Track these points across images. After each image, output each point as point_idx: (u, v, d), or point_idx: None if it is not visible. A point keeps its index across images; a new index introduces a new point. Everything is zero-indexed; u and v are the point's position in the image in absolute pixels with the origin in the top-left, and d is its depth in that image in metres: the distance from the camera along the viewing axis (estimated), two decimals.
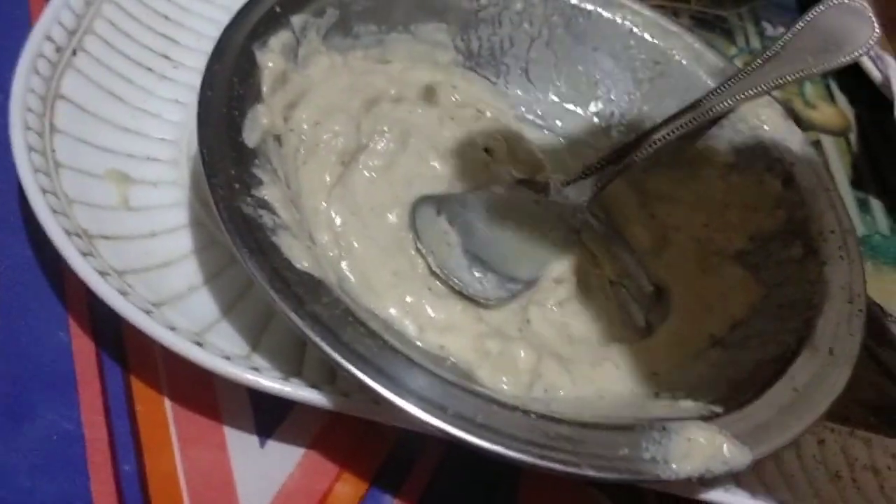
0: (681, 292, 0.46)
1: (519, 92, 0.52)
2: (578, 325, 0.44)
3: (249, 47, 0.41)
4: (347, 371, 0.32)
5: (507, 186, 0.46)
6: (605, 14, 0.52)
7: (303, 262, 0.35)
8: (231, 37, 0.41)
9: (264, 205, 0.36)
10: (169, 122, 0.45)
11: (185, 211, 0.42)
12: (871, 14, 0.51)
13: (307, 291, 0.34)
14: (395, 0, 0.48)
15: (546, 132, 0.52)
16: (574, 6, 0.51)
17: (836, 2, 0.50)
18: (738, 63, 0.64)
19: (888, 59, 0.63)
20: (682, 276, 0.47)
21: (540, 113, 0.52)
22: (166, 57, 0.47)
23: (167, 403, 0.39)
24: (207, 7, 0.50)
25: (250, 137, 0.38)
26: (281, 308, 0.33)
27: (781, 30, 0.69)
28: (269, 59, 0.41)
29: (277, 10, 0.43)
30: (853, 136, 0.63)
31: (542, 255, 0.45)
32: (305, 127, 0.42)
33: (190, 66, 0.47)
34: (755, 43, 0.67)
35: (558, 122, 0.52)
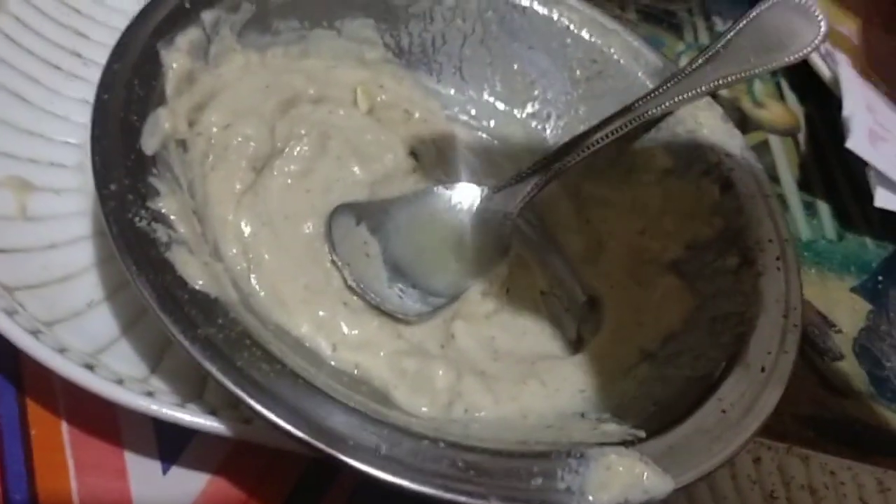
0: (614, 302, 0.45)
1: (452, 91, 0.50)
2: (506, 339, 0.42)
3: (154, 45, 0.39)
4: (240, 399, 0.30)
5: (434, 192, 0.44)
6: (541, 11, 0.50)
7: (198, 281, 0.33)
8: (135, 34, 0.39)
9: (160, 218, 0.34)
10: (76, 125, 0.43)
11: (88, 220, 0.40)
12: (818, 12, 0.50)
13: (201, 312, 0.32)
14: None
15: (479, 133, 0.50)
16: (509, 2, 0.49)
17: None
18: (685, 59, 0.62)
19: (838, 56, 0.61)
20: (616, 285, 0.45)
21: (473, 113, 0.50)
22: (77, 54, 0.45)
23: (64, 427, 0.37)
24: (123, 0, 0.48)
25: (149, 143, 0.36)
26: (170, 331, 0.31)
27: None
28: (175, 58, 0.39)
29: (187, 5, 0.41)
30: (802, 137, 0.61)
31: (470, 265, 0.43)
32: (214, 130, 0.40)
33: (101, 62, 0.44)
34: (704, 38, 0.65)
35: (492, 123, 0.50)
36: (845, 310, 0.52)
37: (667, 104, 0.46)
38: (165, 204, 0.34)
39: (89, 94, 0.43)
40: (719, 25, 0.67)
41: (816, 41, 0.49)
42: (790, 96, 0.64)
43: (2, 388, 0.37)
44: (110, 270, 0.39)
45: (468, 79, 0.50)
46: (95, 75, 0.44)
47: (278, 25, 0.44)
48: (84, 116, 0.43)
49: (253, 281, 0.38)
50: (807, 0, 0.50)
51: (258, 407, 0.30)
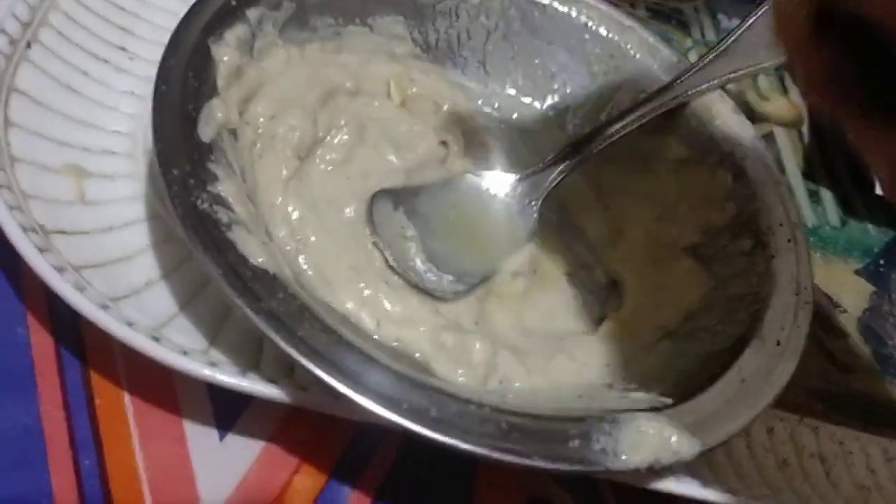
0: (634, 284, 0.47)
1: (476, 85, 0.53)
2: (534, 317, 0.44)
3: (204, 41, 0.41)
4: (303, 366, 0.33)
5: (463, 180, 0.47)
6: (561, 8, 0.52)
7: (258, 258, 0.35)
8: (186, 30, 0.41)
9: (220, 200, 0.36)
10: (125, 115, 0.45)
11: (141, 205, 0.42)
12: None
13: (263, 287, 0.34)
14: None
15: (503, 125, 0.52)
16: (530, 0, 0.52)
17: None
18: (694, 55, 0.65)
19: None
20: (635, 268, 0.48)
21: (497, 105, 0.53)
22: (123, 49, 0.47)
23: (126, 397, 0.39)
24: None
25: (205, 132, 0.38)
26: (237, 304, 0.33)
27: (737, 21, 0.69)
28: (225, 52, 0.41)
29: (233, 3, 0.43)
30: (805, 129, 0.64)
31: (499, 248, 0.45)
32: (261, 121, 0.42)
33: (146, 58, 0.47)
34: (710, 35, 0.68)
35: (515, 115, 0.53)
36: (849, 291, 0.55)
37: (681, 96, 0.48)
38: (224, 187, 0.37)
39: (136, 86, 0.46)
40: (724, 22, 0.69)
41: None
42: (793, 90, 0.66)
43: (67, 362, 0.39)
44: (164, 251, 0.41)
45: (491, 73, 0.53)
46: (141, 69, 0.47)
47: (315, 22, 0.47)
48: (132, 107, 0.46)
49: (301, 261, 0.40)
50: None
51: (319, 373, 0.33)
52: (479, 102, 0.52)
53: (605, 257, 0.48)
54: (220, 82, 0.40)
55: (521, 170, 0.48)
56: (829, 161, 0.62)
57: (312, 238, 0.41)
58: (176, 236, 0.42)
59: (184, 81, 0.39)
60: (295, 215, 0.41)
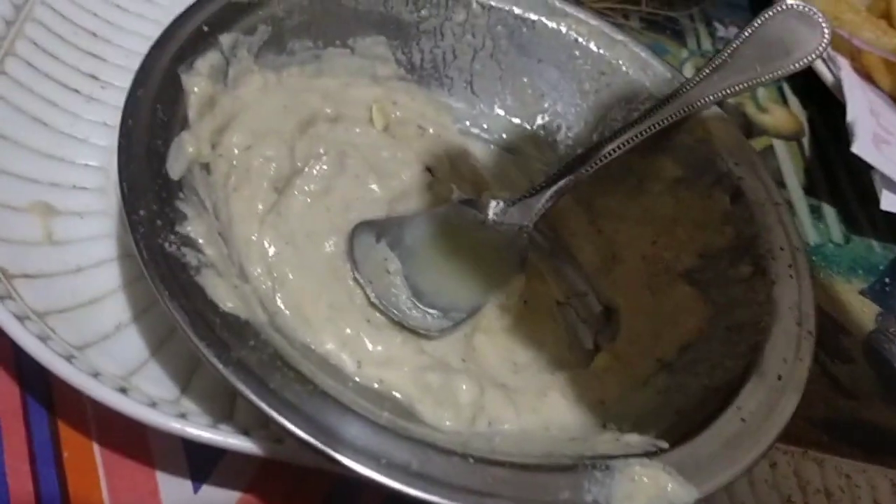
0: (630, 312, 0.45)
1: (463, 105, 0.51)
2: (525, 351, 0.43)
3: (175, 71, 0.39)
4: (275, 421, 0.31)
5: (450, 207, 0.45)
6: (550, 24, 0.50)
7: (227, 303, 0.33)
8: (155, 59, 0.39)
9: (188, 242, 0.34)
10: (96, 147, 0.44)
11: (112, 242, 0.41)
12: (821, 19, 0.50)
13: (233, 335, 0.32)
14: (331, 14, 0.46)
15: (491, 147, 0.51)
16: (518, 16, 0.50)
17: (784, 7, 0.49)
18: (689, 66, 0.63)
19: (841, 60, 0.62)
20: (631, 295, 0.46)
21: (486, 127, 0.51)
22: (94, 77, 0.46)
23: (96, 449, 0.37)
24: (138, 23, 0.48)
25: (174, 168, 0.37)
26: (204, 355, 0.31)
27: (733, 29, 0.68)
28: (196, 82, 0.39)
29: (205, 29, 0.41)
30: (806, 141, 0.62)
31: (488, 279, 0.43)
32: (236, 152, 0.41)
33: (119, 85, 0.46)
34: (706, 44, 0.66)
35: (504, 136, 0.51)
36: (854, 312, 0.53)
37: (675, 114, 0.46)
38: (193, 227, 0.35)
39: (108, 117, 0.44)
40: (721, 31, 0.67)
41: (820, 48, 0.49)
42: (793, 101, 0.64)
43: (34, 413, 0.37)
44: (136, 292, 0.39)
45: (479, 93, 0.51)
46: (113, 98, 0.45)
47: (293, 45, 0.45)
48: (104, 139, 0.44)
49: (278, 300, 0.38)
50: (809, 7, 0.50)
51: (293, 428, 0.31)
52: (467, 124, 0.51)
53: (598, 284, 0.47)
54: (192, 114, 0.39)
55: (511, 194, 0.46)
56: (831, 175, 0.60)
57: (290, 276, 0.39)
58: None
59: (152, 115, 0.37)
60: (272, 251, 0.39)
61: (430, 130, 0.48)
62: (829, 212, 0.58)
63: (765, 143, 0.61)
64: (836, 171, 0.60)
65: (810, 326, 0.41)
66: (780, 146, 0.61)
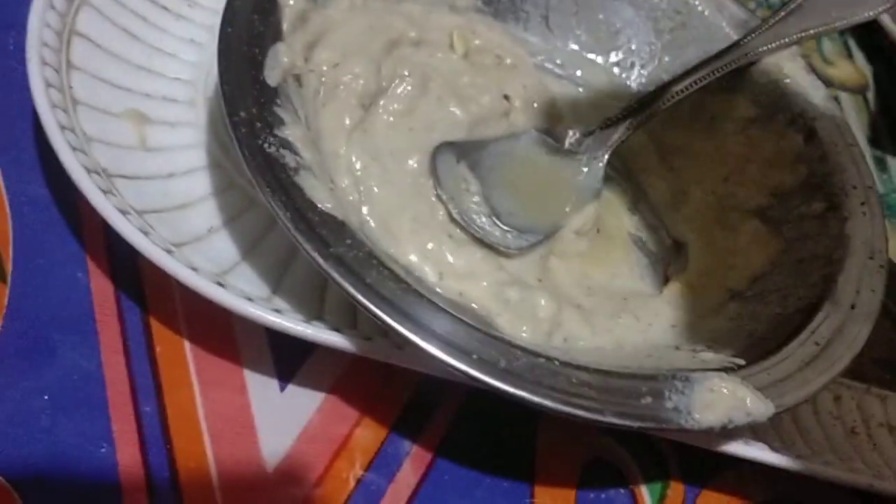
0: (700, 246, 0.46)
1: (539, 40, 0.51)
2: (598, 276, 0.43)
3: None
4: (372, 313, 0.32)
5: (527, 136, 0.45)
6: None
7: (326, 203, 0.34)
8: None
9: (286, 144, 0.35)
10: (185, 62, 0.45)
11: (202, 153, 0.42)
12: None
13: (331, 232, 0.33)
14: None
15: (565, 82, 0.51)
16: None
17: None
18: (760, 13, 0.63)
19: None
20: (701, 230, 0.47)
21: (559, 62, 0.52)
22: None
23: (187, 345, 0.38)
24: None
25: (271, 76, 0.37)
26: (304, 249, 0.32)
27: None
28: None
29: None
30: (871, 94, 0.62)
31: (562, 206, 0.44)
32: (325, 68, 0.41)
33: (205, 5, 0.46)
34: None
35: (578, 72, 0.52)
36: None
37: (750, 54, 0.47)
38: (291, 132, 0.36)
39: (196, 34, 0.45)
40: None
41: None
42: (858, 55, 0.64)
43: (127, 308, 0.39)
44: (226, 199, 0.40)
45: (554, 28, 0.52)
46: (199, 16, 0.46)
47: None
48: (191, 55, 0.45)
49: (364, 211, 0.39)
50: None
51: (389, 321, 0.32)
52: (542, 58, 0.51)
53: (669, 219, 0.47)
54: (286, 26, 0.40)
55: (584, 127, 0.46)
56: (895, 127, 0.60)
57: (376, 189, 0.40)
58: (237, 185, 0.41)
59: (249, 24, 0.38)
60: (358, 165, 0.40)
61: (508, 61, 0.48)
62: (893, 163, 0.58)
63: (831, 94, 0.61)
64: None
65: (882, 261, 0.42)
66: (844, 99, 0.61)
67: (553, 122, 0.48)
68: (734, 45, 0.47)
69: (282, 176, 0.34)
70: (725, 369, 0.36)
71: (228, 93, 0.36)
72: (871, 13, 0.49)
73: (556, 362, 0.33)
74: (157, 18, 0.45)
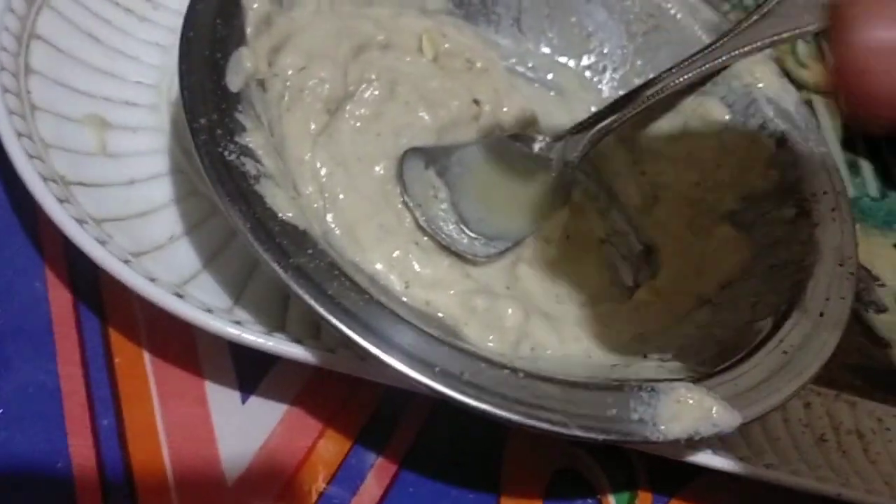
0: (670, 251, 0.46)
1: (510, 43, 0.51)
2: (567, 283, 0.43)
3: None
4: (333, 326, 0.31)
5: (497, 140, 0.45)
6: None
7: (287, 213, 0.34)
8: None
9: (247, 152, 0.35)
10: (148, 66, 0.44)
11: (165, 158, 0.41)
12: None
13: (291, 242, 0.33)
14: None
15: (537, 85, 0.51)
16: None
17: None
18: (733, 16, 0.63)
19: None
20: (671, 234, 0.46)
21: (531, 65, 0.51)
22: None
23: (146, 356, 0.38)
24: None
25: (233, 81, 0.37)
26: (264, 259, 0.32)
27: None
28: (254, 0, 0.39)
29: None
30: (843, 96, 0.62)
31: (532, 212, 0.44)
32: (290, 72, 0.40)
33: (170, 7, 0.46)
34: None
35: (549, 76, 0.51)
36: (888, 265, 0.53)
37: (723, 58, 0.46)
38: (252, 139, 0.35)
39: (160, 37, 0.44)
40: None
41: None
42: (831, 57, 0.64)
43: (86, 319, 0.38)
44: (188, 207, 0.40)
45: (526, 31, 0.51)
46: (164, 18, 0.45)
47: None
48: (155, 58, 0.44)
49: (329, 219, 0.38)
50: None
51: (349, 332, 0.31)
52: (513, 62, 0.51)
53: (640, 223, 0.47)
54: (249, 30, 0.39)
55: (555, 131, 0.46)
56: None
57: (341, 196, 0.39)
58: (199, 192, 0.41)
59: (212, 28, 0.37)
60: (323, 171, 0.40)
61: (478, 65, 0.48)
62: (865, 166, 0.58)
63: (804, 97, 0.60)
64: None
65: (851, 268, 0.41)
66: (818, 102, 0.61)
67: (524, 126, 0.48)
68: (707, 49, 0.47)
69: (242, 184, 0.34)
70: (692, 379, 0.35)
71: (189, 98, 0.35)
72: None
73: (521, 374, 0.33)
74: (121, 21, 0.44)
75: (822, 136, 0.47)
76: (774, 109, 0.47)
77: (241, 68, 0.37)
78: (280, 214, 0.33)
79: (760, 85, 0.48)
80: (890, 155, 0.59)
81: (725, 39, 0.47)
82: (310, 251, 0.33)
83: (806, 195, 0.44)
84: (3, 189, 0.40)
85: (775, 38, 0.47)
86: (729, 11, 0.64)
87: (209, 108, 0.35)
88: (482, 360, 0.33)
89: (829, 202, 0.43)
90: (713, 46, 0.47)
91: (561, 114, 0.50)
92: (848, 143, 0.59)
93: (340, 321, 0.31)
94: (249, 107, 0.37)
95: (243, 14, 0.39)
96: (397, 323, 0.33)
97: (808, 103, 0.60)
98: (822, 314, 0.39)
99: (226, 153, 0.34)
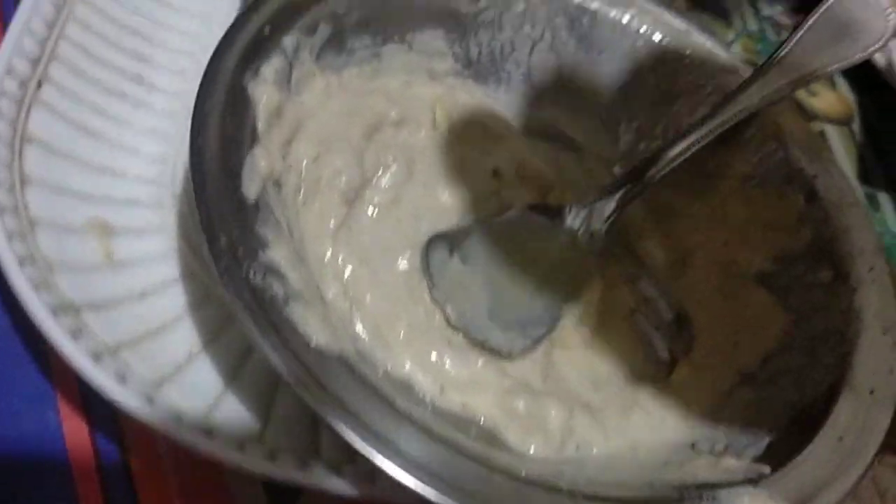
0: (704, 319, 0.44)
1: (521, 100, 0.49)
2: (603, 366, 0.41)
3: (240, 79, 0.37)
4: (377, 462, 0.29)
5: (519, 214, 0.43)
6: (611, 13, 0.48)
7: (319, 338, 0.31)
8: (219, 68, 0.36)
9: (272, 269, 0.32)
10: (148, 158, 0.41)
11: (174, 262, 0.38)
12: (883, 2, 0.48)
13: (326, 372, 0.31)
14: (390, 7, 0.44)
15: (551, 143, 0.49)
16: (578, 6, 0.47)
17: None
18: (737, 47, 0.61)
19: (892, 43, 0.60)
20: (703, 301, 0.44)
21: (544, 122, 0.49)
22: (139, 79, 0.43)
23: (174, 494, 0.35)
24: (180, 18, 0.45)
25: (250, 189, 0.34)
26: (306, 399, 0.30)
27: (777, 8, 0.66)
28: (263, 91, 0.37)
29: (266, 31, 0.39)
30: (857, 126, 0.60)
31: (563, 289, 0.42)
32: (305, 163, 0.38)
33: (165, 89, 0.43)
34: (752, 24, 0.64)
35: (564, 132, 0.49)
36: None
37: (746, 108, 0.44)
38: (275, 253, 0.33)
39: (157, 122, 0.42)
40: (765, 9, 0.65)
41: (887, 33, 0.47)
42: (842, 84, 0.62)
43: (105, 454, 0.35)
44: (204, 316, 0.37)
45: (537, 86, 0.49)
46: (160, 102, 0.43)
47: (353, 44, 0.43)
48: (154, 147, 0.42)
49: (356, 323, 0.36)
50: None
51: (394, 468, 0.29)
52: (526, 120, 0.48)
53: (669, 289, 0.45)
54: (261, 126, 0.36)
55: (575, 193, 0.44)
56: (885, 161, 0.58)
57: (367, 296, 0.37)
58: (214, 296, 0.38)
59: (221, 129, 0.35)
60: (347, 271, 0.37)
61: (493, 130, 0.45)
62: (884, 200, 0.57)
63: (816, 127, 0.59)
64: (889, 157, 0.59)
65: (895, 335, 0.40)
66: (831, 132, 0.59)
67: (544, 191, 0.45)
68: (729, 99, 0.45)
69: (271, 312, 0.31)
70: (751, 480, 0.34)
71: (206, 217, 0.32)
72: (864, 54, 0.47)
73: (581, 499, 0.31)
74: (116, 110, 0.41)
75: (853, 188, 0.45)
76: (801, 160, 0.45)
77: (257, 172, 0.35)
78: (313, 341, 0.31)
79: (784, 135, 0.46)
80: None
81: (748, 88, 0.45)
82: (344, 379, 0.31)
83: (842, 255, 0.42)
84: (5, 308, 0.37)
85: (794, 83, 0.45)
86: (733, 42, 0.62)
87: (228, 225, 0.32)
88: (533, 485, 0.31)
89: (866, 262, 0.42)
90: (732, 97, 0.45)
91: (579, 172, 0.48)
92: (864, 175, 0.58)
93: (384, 454, 0.29)
94: (269, 213, 0.35)
95: (253, 108, 0.36)
96: (442, 450, 0.31)
97: (822, 134, 0.59)
98: (871, 391, 0.37)
99: (251, 275, 0.32)
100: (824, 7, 0.47)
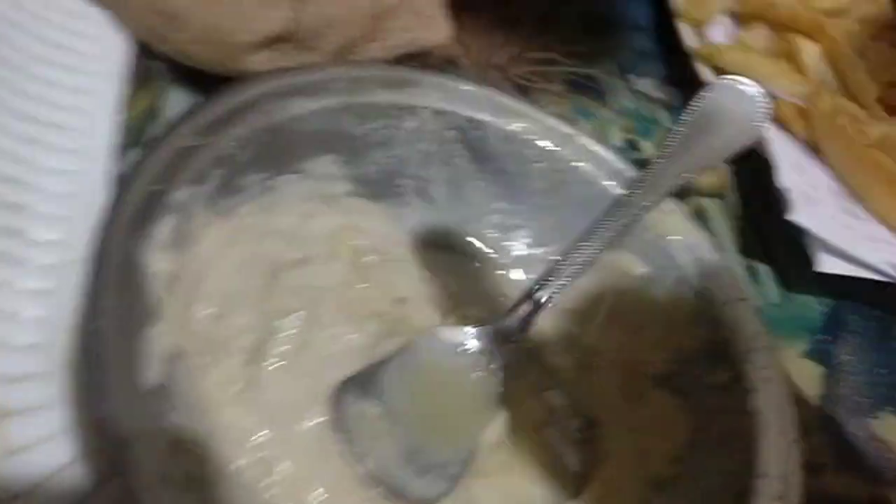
0: (611, 424, 0.45)
1: (418, 215, 0.48)
2: (520, 489, 0.41)
3: (133, 250, 0.35)
4: None
5: (425, 340, 0.42)
6: (501, 125, 0.48)
7: None
8: (109, 239, 0.34)
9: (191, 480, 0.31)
10: (29, 322, 0.37)
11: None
12: (754, 89, 0.50)
13: None
14: (281, 140, 0.42)
15: (449, 256, 0.49)
16: (469, 119, 0.47)
17: (715, 86, 0.49)
18: (615, 129, 0.63)
19: None
20: (608, 404, 0.45)
21: (442, 234, 0.49)
22: (19, 233, 0.40)
23: None
24: (56, 158, 0.42)
25: (152, 373, 0.33)
26: None
27: (648, 80, 0.68)
28: (158, 258, 0.35)
29: (155, 188, 0.37)
30: (733, 198, 0.62)
31: (475, 417, 0.42)
32: (205, 325, 0.37)
33: (44, 239, 0.40)
34: (627, 102, 0.65)
35: (461, 242, 0.49)
36: (802, 378, 0.53)
37: (637, 211, 0.46)
38: (189, 454, 0.32)
39: (37, 281, 0.39)
40: (637, 84, 0.67)
41: (765, 118, 0.49)
42: None
43: None
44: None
45: (435, 198, 0.49)
46: (40, 257, 0.40)
47: (245, 182, 0.41)
48: (35, 309, 0.38)
49: (271, 494, 0.35)
50: (740, 80, 0.49)
51: None
52: (424, 234, 0.48)
53: (576, 395, 0.46)
54: (159, 296, 0.35)
55: (479, 308, 0.45)
56: (761, 232, 0.61)
57: (277, 462, 0.36)
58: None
59: (117, 312, 0.33)
60: (253, 437, 0.36)
61: (396, 255, 0.45)
62: (763, 271, 0.59)
63: (695, 203, 0.61)
64: (765, 227, 0.61)
65: (794, 434, 0.41)
66: (711, 207, 0.61)
67: (450, 309, 0.45)
68: (619, 204, 0.46)
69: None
70: None
71: (115, 427, 0.30)
72: (747, 140, 0.49)
73: None
74: None
75: (742, 283, 0.47)
76: (688, 260, 0.47)
77: (159, 351, 0.33)
78: None
79: (670, 234, 0.47)
80: (787, 255, 0.59)
81: (637, 190, 0.46)
82: None
83: (737, 356, 0.44)
84: None
85: (683, 176, 0.47)
86: (613, 121, 0.63)
87: (138, 425, 0.31)
88: None
89: (759, 361, 0.43)
90: (624, 200, 0.46)
91: (482, 283, 0.48)
92: (742, 247, 0.60)
93: None
94: (173, 394, 0.33)
95: (149, 282, 0.35)
96: None
97: (701, 210, 0.61)
98: (780, 498, 0.39)
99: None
100: (699, 100, 0.49)
